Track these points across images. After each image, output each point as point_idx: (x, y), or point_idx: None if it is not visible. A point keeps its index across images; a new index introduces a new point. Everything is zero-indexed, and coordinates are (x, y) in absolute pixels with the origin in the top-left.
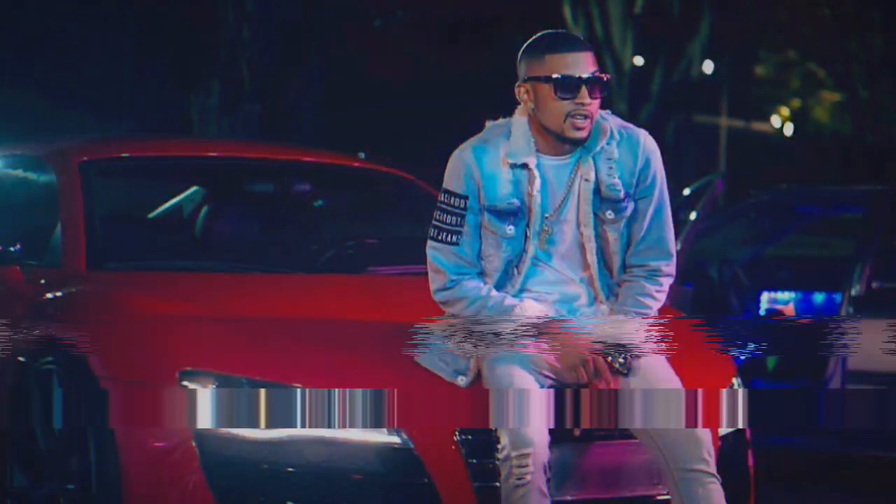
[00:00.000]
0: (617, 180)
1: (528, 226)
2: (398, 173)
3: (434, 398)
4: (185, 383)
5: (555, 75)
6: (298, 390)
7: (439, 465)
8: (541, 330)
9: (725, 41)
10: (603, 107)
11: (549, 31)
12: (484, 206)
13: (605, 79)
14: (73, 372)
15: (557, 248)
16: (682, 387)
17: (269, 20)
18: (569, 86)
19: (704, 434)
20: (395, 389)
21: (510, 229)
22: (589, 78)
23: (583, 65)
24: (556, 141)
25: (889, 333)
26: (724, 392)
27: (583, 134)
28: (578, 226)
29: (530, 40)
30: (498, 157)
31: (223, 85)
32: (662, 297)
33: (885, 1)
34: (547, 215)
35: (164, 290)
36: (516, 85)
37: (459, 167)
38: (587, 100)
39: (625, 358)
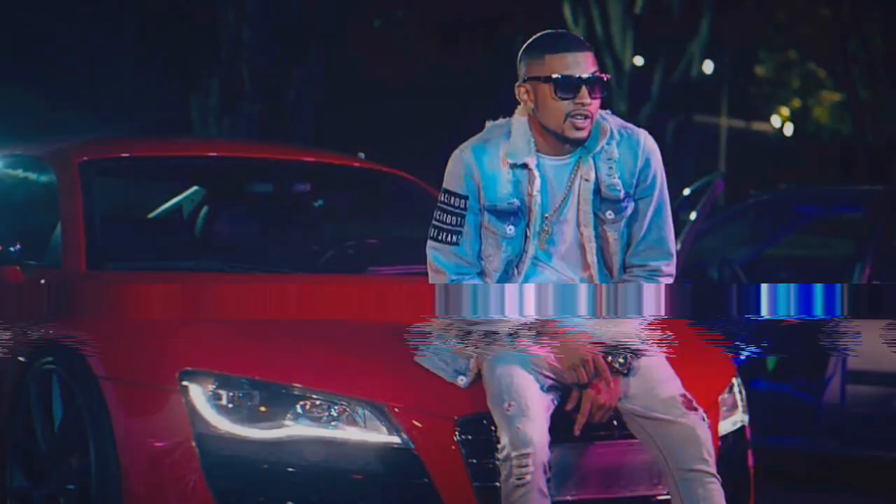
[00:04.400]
0: (617, 180)
1: (528, 226)
2: (398, 173)
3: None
4: (184, 383)
5: (555, 75)
6: (298, 390)
7: (439, 465)
8: (541, 330)
9: (725, 41)
10: (603, 107)
11: (550, 31)
12: (484, 206)
13: (605, 79)
14: (73, 372)
15: (557, 248)
16: (681, 387)
17: (269, 20)
18: (569, 86)
19: (704, 434)
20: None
21: (510, 229)
22: (589, 78)
23: (583, 65)
24: (557, 141)
25: (889, 333)
26: (724, 392)
27: (583, 134)
28: (578, 226)
29: (530, 40)
30: (498, 157)
31: (223, 85)
32: None
33: (885, 1)
34: (547, 215)
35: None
36: (516, 85)
37: (459, 167)
38: (587, 100)
39: (625, 358)
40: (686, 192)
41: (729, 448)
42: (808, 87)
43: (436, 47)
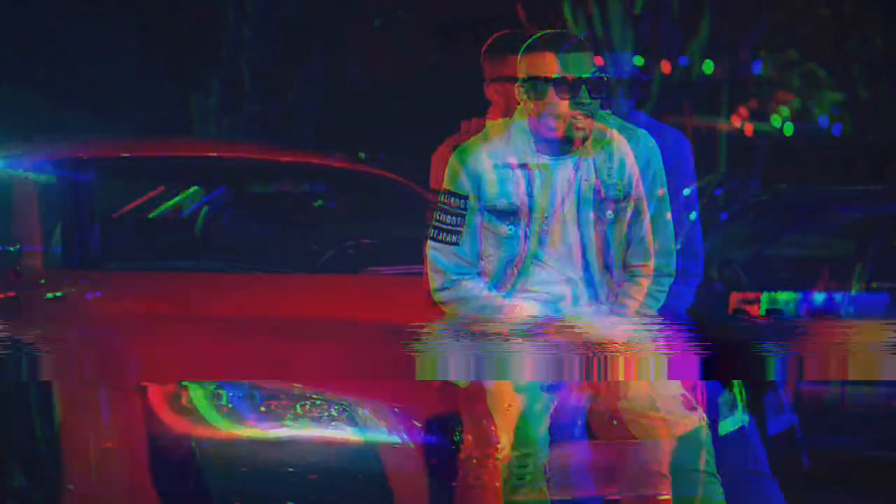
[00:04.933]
0: (616, 180)
1: (527, 226)
2: (395, 178)
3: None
4: (184, 383)
5: (521, 76)
6: (298, 390)
7: (439, 465)
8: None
9: (725, 41)
10: (603, 107)
11: (510, 31)
12: (483, 206)
13: (570, 79)
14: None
15: (557, 247)
16: (681, 387)
17: (269, 20)
18: (535, 87)
19: (704, 434)
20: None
21: (509, 229)
22: (556, 79)
23: (548, 66)
24: (555, 141)
25: (889, 333)
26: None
27: (557, 134)
28: (578, 226)
29: (528, 40)
30: (498, 157)
31: (223, 85)
32: (662, 297)
33: (885, 1)
34: (546, 215)
35: (164, 290)
36: (516, 85)
37: (459, 167)
38: (555, 100)
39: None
40: (686, 192)
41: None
42: (808, 87)
43: (436, 47)
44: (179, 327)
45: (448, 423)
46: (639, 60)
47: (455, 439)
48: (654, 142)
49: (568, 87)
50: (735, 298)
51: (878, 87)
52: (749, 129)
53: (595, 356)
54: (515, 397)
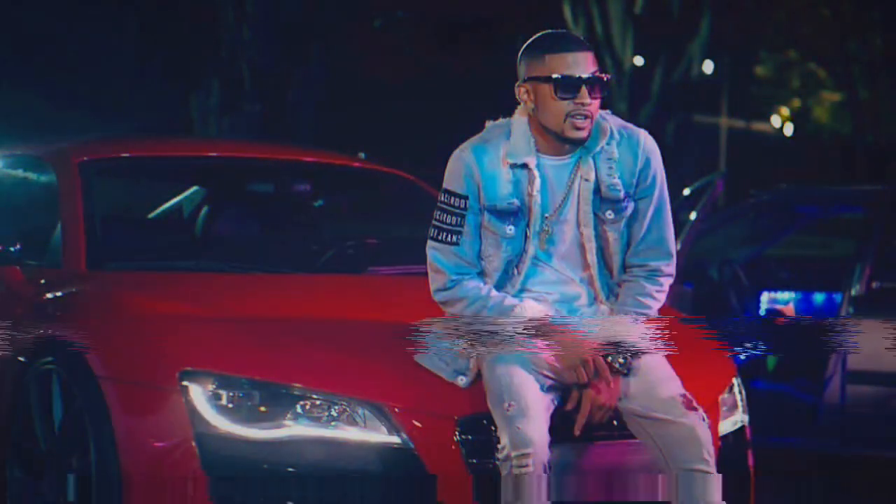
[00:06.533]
0: (617, 180)
1: (528, 226)
2: (398, 173)
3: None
4: (184, 383)
5: (555, 75)
6: (298, 390)
7: (439, 465)
8: (541, 330)
9: (725, 41)
10: (603, 107)
11: (550, 31)
12: (484, 206)
13: (605, 79)
14: (73, 372)
15: (557, 248)
16: (681, 387)
17: (269, 20)
18: (569, 86)
19: (704, 434)
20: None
21: (510, 229)
22: (589, 78)
23: (583, 65)
24: (557, 141)
25: (889, 333)
26: (724, 392)
27: (583, 134)
28: (578, 226)
29: (530, 40)
30: (498, 157)
31: (223, 85)
32: (662, 297)
33: (885, 1)
34: (547, 215)
35: (164, 290)
36: (516, 85)
37: (459, 167)
38: (587, 100)
39: (625, 358)
40: (686, 192)
41: (729, 448)
42: (808, 87)
43: (436, 47)
44: (179, 327)
45: (484, 423)
46: (639, 60)
47: (493, 439)
48: (654, 141)
49: (601, 85)
50: (767, 299)
51: (878, 87)
52: (721, 128)
53: (603, 356)
54: (515, 397)
